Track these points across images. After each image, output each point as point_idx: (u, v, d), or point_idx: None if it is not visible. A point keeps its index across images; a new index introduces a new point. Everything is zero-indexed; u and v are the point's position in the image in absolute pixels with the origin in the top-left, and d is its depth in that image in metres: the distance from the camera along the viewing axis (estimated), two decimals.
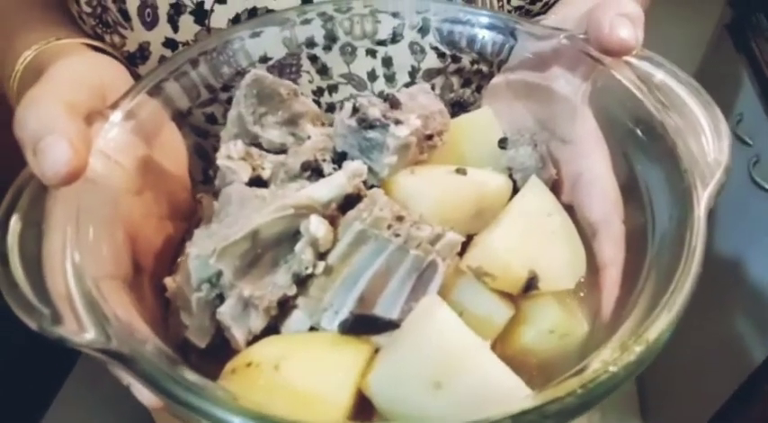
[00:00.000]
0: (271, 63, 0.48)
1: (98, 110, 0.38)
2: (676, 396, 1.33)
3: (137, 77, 0.47)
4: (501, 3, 0.54)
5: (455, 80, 0.54)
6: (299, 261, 0.36)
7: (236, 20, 0.50)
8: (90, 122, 0.37)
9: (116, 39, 0.50)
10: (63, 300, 0.30)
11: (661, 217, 0.37)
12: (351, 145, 0.41)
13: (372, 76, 0.52)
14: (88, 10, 0.50)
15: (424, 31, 0.49)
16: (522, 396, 0.30)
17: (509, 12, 0.54)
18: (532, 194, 0.42)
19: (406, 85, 0.53)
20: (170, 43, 0.50)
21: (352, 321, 0.35)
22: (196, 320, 0.36)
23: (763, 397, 1.05)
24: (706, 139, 0.37)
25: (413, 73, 0.52)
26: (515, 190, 0.43)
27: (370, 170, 0.41)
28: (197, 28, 0.50)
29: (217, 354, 0.36)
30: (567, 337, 0.38)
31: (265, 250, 0.36)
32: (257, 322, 0.35)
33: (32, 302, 0.29)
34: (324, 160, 0.41)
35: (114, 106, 0.39)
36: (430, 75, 0.53)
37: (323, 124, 0.46)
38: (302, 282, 0.36)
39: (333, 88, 0.52)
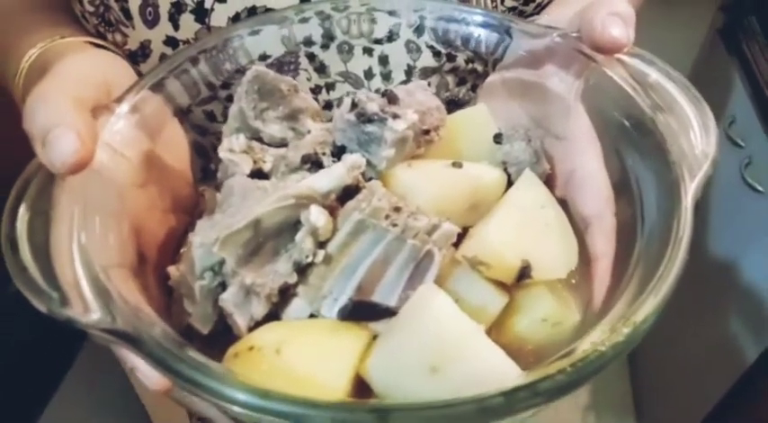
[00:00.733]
0: (269, 61, 0.48)
1: (103, 104, 0.39)
2: (671, 396, 1.34)
3: (139, 75, 0.48)
4: (495, 3, 0.55)
5: (450, 79, 0.55)
6: (300, 250, 0.36)
7: (235, 18, 0.50)
8: (96, 116, 0.38)
9: (118, 37, 0.51)
10: (71, 283, 0.30)
11: (650, 209, 0.38)
12: (350, 139, 0.42)
13: (369, 74, 0.53)
14: (91, 9, 0.51)
15: (420, 29, 0.50)
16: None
17: (502, 12, 0.55)
18: (526, 188, 0.43)
19: (403, 84, 0.53)
20: (171, 41, 0.51)
21: (350, 307, 0.36)
22: (199, 308, 0.37)
23: (757, 396, 1.06)
24: (694, 133, 0.38)
25: (409, 71, 0.53)
26: (510, 183, 0.44)
27: (369, 163, 0.41)
28: (197, 26, 0.50)
29: (219, 340, 0.36)
30: (560, 325, 0.38)
31: (267, 239, 0.37)
32: (259, 309, 0.36)
33: (41, 286, 0.30)
34: (324, 154, 0.42)
35: (119, 101, 0.40)
36: (426, 73, 0.54)
37: (322, 120, 0.47)
38: (302, 270, 0.37)
39: (330, 86, 0.53)
